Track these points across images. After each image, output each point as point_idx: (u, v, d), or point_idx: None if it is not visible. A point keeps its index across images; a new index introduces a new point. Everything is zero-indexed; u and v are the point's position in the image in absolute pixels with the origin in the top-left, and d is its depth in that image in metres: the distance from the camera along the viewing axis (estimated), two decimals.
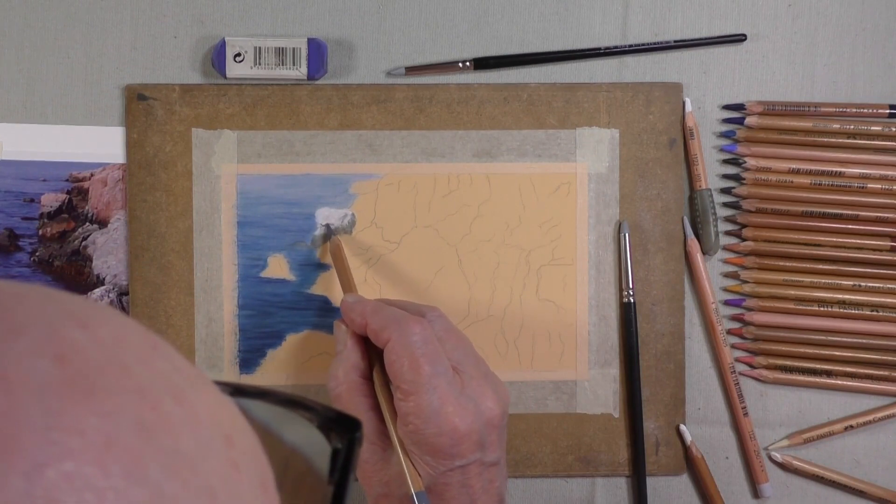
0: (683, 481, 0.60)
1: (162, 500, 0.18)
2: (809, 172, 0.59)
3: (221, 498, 0.19)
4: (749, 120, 0.60)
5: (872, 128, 0.59)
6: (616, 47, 0.60)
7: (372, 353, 0.51)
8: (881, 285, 0.59)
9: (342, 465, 0.26)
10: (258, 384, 0.59)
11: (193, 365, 0.23)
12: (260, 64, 0.58)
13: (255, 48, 0.58)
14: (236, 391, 0.27)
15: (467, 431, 0.47)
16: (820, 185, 0.59)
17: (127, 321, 0.22)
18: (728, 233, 0.60)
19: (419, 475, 0.47)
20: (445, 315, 0.51)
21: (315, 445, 0.27)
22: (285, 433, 0.28)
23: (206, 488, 0.19)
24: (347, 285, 0.55)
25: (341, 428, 0.27)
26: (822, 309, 0.59)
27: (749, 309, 0.60)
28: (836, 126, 0.59)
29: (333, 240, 0.57)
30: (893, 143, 0.59)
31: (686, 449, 0.60)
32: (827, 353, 0.60)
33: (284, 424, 0.28)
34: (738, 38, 0.60)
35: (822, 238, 0.59)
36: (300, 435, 0.27)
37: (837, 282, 0.59)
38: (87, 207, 0.59)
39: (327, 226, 0.54)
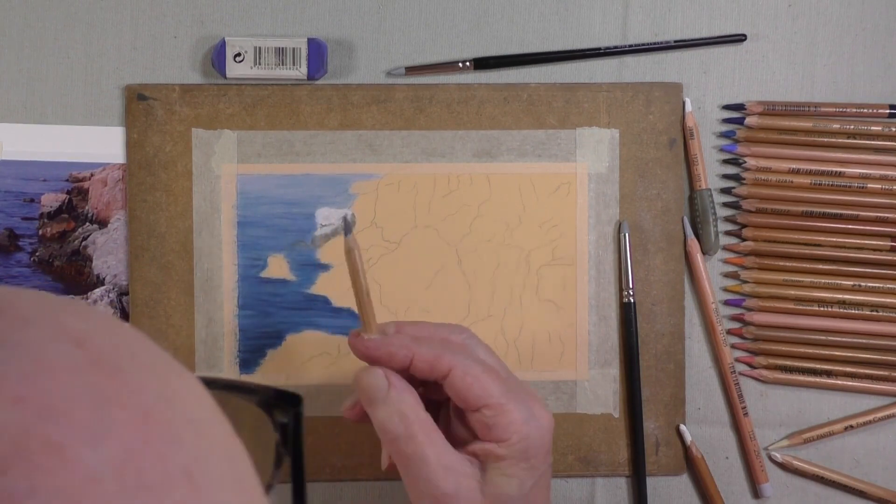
0: (683, 481, 0.60)
1: (197, 461, 0.20)
2: (809, 172, 0.59)
3: (237, 460, 0.21)
4: (749, 120, 0.60)
5: (872, 128, 0.59)
6: (616, 47, 0.60)
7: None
8: (881, 285, 0.59)
9: (293, 435, 0.28)
10: (261, 382, 0.59)
11: (165, 352, 0.24)
12: (260, 64, 0.58)
13: (255, 48, 0.58)
14: None
15: (551, 422, 0.46)
16: (820, 185, 0.59)
17: (107, 314, 0.23)
18: (728, 233, 0.60)
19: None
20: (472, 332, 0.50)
21: (261, 426, 0.29)
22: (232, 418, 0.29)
23: (225, 450, 0.21)
24: (363, 312, 0.47)
25: (284, 403, 0.29)
26: (822, 309, 0.59)
27: (749, 309, 0.60)
28: (836, 126, 0.59)
29: (350, 240, 0.45)
30: (893, 143, 0.59)
31: (686, 449, 0.60)
32: (827, 353, 0.60)
33: (231, 410, 0.29)
34: (738, 38, 0.60)
35: (822, 238, 0.59)
36: (245, 417, 0.29)
37: (837, 282, 0.59)
38: (87, 207, 0.59)
39: (344, 218, 0.49)
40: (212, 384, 0.29)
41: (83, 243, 0.59)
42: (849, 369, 0.60)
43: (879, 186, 0.59)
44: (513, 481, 0.45)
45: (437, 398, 0.48)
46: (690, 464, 0.60)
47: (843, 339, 0.59)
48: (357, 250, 0.45)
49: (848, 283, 0.59)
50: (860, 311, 0.59)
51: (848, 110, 0.60)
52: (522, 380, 0.49)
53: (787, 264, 0.60)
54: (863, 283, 0.59)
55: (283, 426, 0.28)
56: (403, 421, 0.44)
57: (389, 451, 0.46)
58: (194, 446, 0.20)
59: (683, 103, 0.60)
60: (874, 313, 0.59)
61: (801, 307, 0.59)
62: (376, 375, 0.45)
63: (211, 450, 0.20)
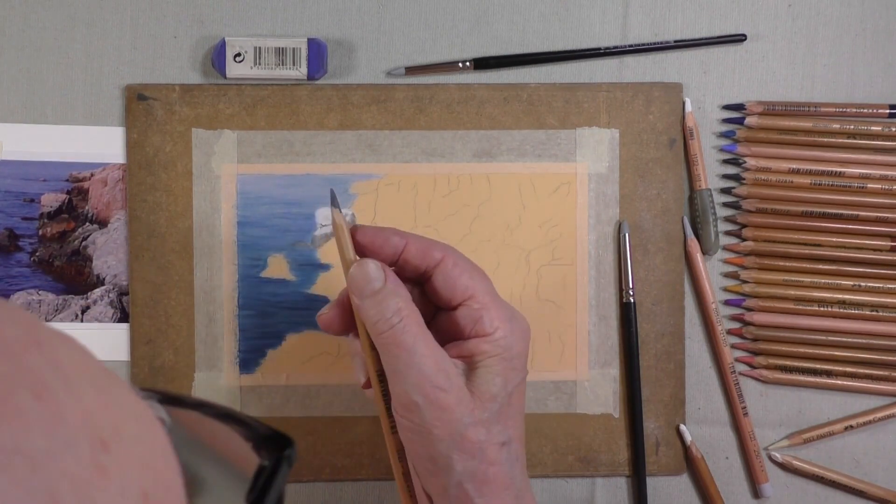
0: (683, 481, 0.60)
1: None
2: (809, 172, 0.59)
3: (64, 499, 0.19)
4: (749, 120, 0.60)
5: (872, 128, 0.59)
6: (616, 47, 0.60)
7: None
8: (881, 285, 0.59)
9: (264, 483, 0.26)
10: (258, 383, 0.59)
11: (98, 367, 0.22)
12: (260, 64, 0.58)
13: (255, 48, 0.58)
14: (168, 400, 0.26)
15: (529, 331, 0.47)
16: (820, 185, 0.59)
17: (11, 314, 0.21)
18: (728, 233, 0.60)
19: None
20: None
21: (247, 461, 0.26)
22: (219, 446, 0.27)
23: (45, 488, 0.19)
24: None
25: (272, 445, 0.26)
26: (822, 309, 0.59)
27: (749, 309, 0.60)
28: (836, 126, 0.59)
29: (335, 212, 0.46)
30: (893, 143, 0.59)
31: (686, 449, 0.60)
32: (827, 353, 0.60)
33: (221, 437, 0.27)
34: (738, 38, 0.60)
35: (822, 238, 0.59)
36: (233, 449, 0.27)
37: (837, 282, 0.59)
38: (87, 207, 0.59)
39: (331, 190, 0.48)
40: (205, 409, 0.27)
41: (83, 243, 0.59)
42: (849, 369, 0.60)
43: (879, 186, 0.59)
44: (497, 379, 0.45)
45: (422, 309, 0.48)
46: (690, 464, 0.60)
47: (843, 339, 0.59)
48: (344, 224, 0.46)
49: (848, 283, 0.59)
50: (860, 311, 0.59)
51: (848, 110, 0.60)
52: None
53: (787, 264, 0.60)
54: (863, 283, 0.59)
55: (260, 470, 0.26)
56: (399, 313, 0.44)
57: (380, 345, 0.44)
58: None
59: (683, 103, 0.60)
60: (874, 313, 0.59)
61: (801, 307, 0.59)
62: (374, 266, 0.45)
63: (15, 488, 0.19)
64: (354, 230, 0.46)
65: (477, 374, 0.45)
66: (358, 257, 0.46)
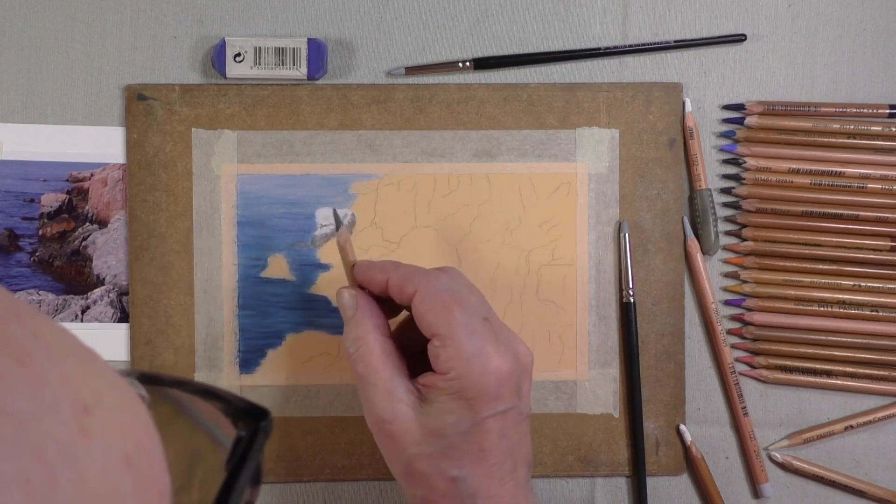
0: (683, 481, 0.60)
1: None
2: (809, 172, 0.59)
3: (50, 458, 0.20)
4: (749, 120, 0.60)
5: (872, 128, 0.59)
6: (616, 47, 0.60)
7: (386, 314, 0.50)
8: (881, 285, 0.59)
9: (242, 451, 0.27)
10: (258, 383, 0.59)
11: (76, 341, 0.23)
12: (260, 64, 0.58)
13: (255, 48, 0.58)
14: (147, 378, 0.27)
15: (509, 372, 0.46)
16: (820, 185, 0.59)
17: None
18: (728, 233, 0.60)
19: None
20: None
21: (227, 434, 0.28)
22: (201, 422, 0.29)
23: (30, 446, 0.19)
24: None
25: (249, 417, 0.28)
26: (822, 309, 0.59)
27: (749, 309, 0.60)
28: (836, 126, 0.59)
29: (343, 231, 0.51)
30: (893, 143, 0.59)
31: (686, 449, 0.60)
32: (827, 353, 0.60)
33: (202, 413, 0.29)
34: (738, 38, 0.60)
35: (822, 238, 0.59)
36: (215, 424, 0.28)
37: (837, 282, 0.59)
38: (87, 207, 0.59)
39: (334, 210, 0.52)
40: (184, 386, 0.28)
41: (83, 243, 0.59)
42: (849, 369, 0.60)
43: (879, 186, 0.59)
44: (448, 417, 0.45)
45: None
46: (690, 464, 0.60)
47: (843, 339, 0.59)
48: (348, 244, 0.50)
49: (848, 283, 0.59)
50: (860, 311, 0.59)
51: (848, 110, 0.60)
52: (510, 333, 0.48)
53: (787, 264, 0.60)
54: (863, 283, 0.59)
55: (238, 441, 0.28)
56: (356, 342, 0.48)
57: (349, 369, 0.48)
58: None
59: (683, 103, 0.60)
60: (874, 313, 0.59)
61: (801, 307, 0.59)
62: (348, 295, 0.49)
63: (3, 444, 0.20)
64: (354, 266, 0.50)
65: (430, 408, 0.46)
66: (355, 285, 0.50)
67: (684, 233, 0.60)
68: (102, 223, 0.59)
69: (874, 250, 0.59)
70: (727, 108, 0.60)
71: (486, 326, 0.46)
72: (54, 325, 0.23)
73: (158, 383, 0.28)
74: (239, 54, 0.58)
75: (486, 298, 0.49)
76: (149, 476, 0.23)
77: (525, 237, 0.59)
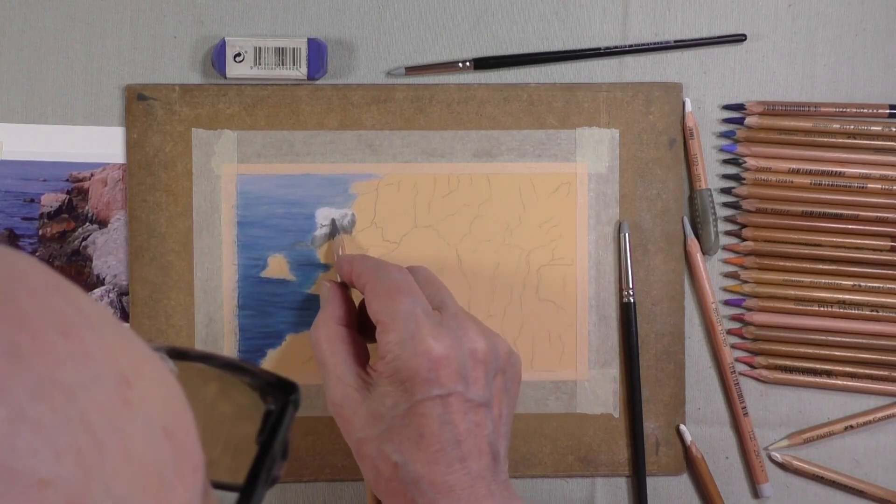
0: (683, 481, 0.60)
1: (23, 420, 0.19)
2: (809, 172, 0.59)
3: (97, 428, 0.20)
4: (749, 120, 0.60)
5: (872, 128, 0.59)
6: (616, 47, 0.60)
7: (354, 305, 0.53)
8: (881, 285, 0.59)
9: (272, 425, 0.28)
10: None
11: (111, 315, 0.24)
12: (260, 64, 0.58)
13: (255, 48, 0.58)
14: (176, 353, 0.28)
15: (444, 355, 0.46)
16: (820, 185, 0.59)
17: (31, 262, 0.23)
18: (728, 233, 0.60)
19: None
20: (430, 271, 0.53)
21: (255, 408, 0.28)
22: (230, 395, 0.29)
23: (79, 416, 0.20)
24: None
25: (278, 391, 0.29)
26: (822, 309, 0.59)
27: (749, 309, 0.60)
28: (836, 126, 0.59)
29: (337, 239, 0.57)
30: (893, 143, 0.59)
31: (686, 449, 0.60)
32: (827, 353, 0.60)
33: (230, 387, 0.29)
34: (738, 38, 0.60)
35: (822, 238, 0.59)
36: (242, 398, 0.29)
37: (837, 282, 0.59)
38: (87, 207, 0.59)
39: (332, 220, 0.55)
40: (211, 360, 0.29)
41: (83, 243, 0.59)
42: (849, 369, 0.60)
43: (879, 186, 0.59)
44: (387, 399, 0.47)
45: None
46: (690, 464, 0.60)
47: (843, 339, 0.59)
48: (341, 249, 0.54)
49: (848, 283, 0.59)
50: (860, 311, 0.59)
51: (848, 110, 0.60)
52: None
53: (787, 264, 0.60)
54: (863, 283, 0.59)
55: (268, 414, 0.28)
56: (316, 330, 0.51)
57: None
58: (23, 406, 0.20)
59: (683, 103, 0.60)
60: (874, 313, 0.59)
61: (801, 307, 0.59)
62: (323, 287, 0.54)
63: (53, 414, 0.20)
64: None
65: (374, 392, 0.48)
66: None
67: (684, 233, 0.60)
68: (102, 223, 0.59)
69: (874, 250, 0.59)
70: (727, 108, 0.60)
71: (430, 313, 0.48)
72: (90, 298, 0.23)
73: (186, 358, 0.29)
74: (239, 54, 0.58)
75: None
76: (185, 449, 0.23)
77: (525, 237, 0.59)
